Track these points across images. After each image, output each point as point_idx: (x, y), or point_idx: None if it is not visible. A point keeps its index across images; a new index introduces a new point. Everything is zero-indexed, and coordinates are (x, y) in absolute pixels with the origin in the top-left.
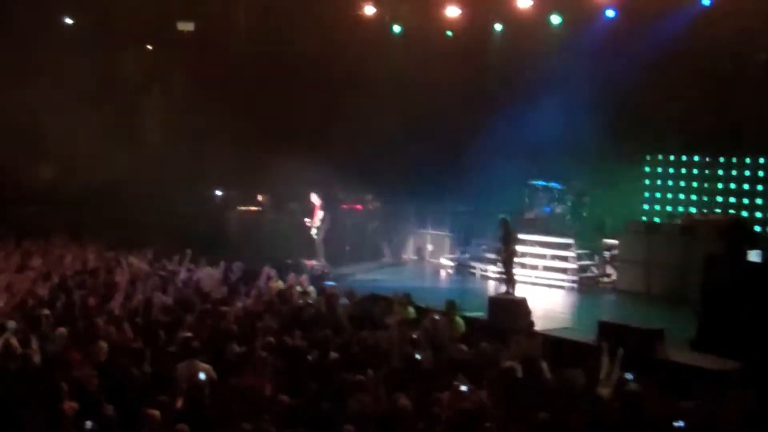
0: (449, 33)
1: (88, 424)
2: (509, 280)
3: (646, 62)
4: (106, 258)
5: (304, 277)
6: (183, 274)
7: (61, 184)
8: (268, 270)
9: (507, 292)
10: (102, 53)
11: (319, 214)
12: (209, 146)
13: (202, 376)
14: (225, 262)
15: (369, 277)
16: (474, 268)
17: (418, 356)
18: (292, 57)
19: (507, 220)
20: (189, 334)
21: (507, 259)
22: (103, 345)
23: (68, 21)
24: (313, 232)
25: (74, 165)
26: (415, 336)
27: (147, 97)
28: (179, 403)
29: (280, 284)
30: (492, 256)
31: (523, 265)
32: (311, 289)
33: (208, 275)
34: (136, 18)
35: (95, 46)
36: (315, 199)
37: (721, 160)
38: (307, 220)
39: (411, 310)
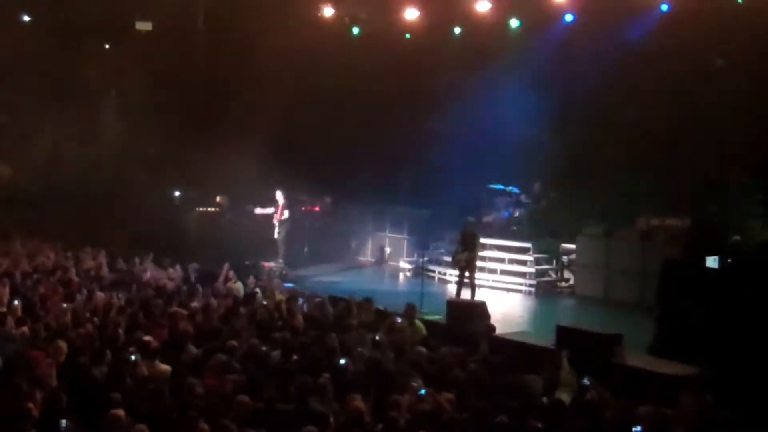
0: (408, 35)
1: (63, 422)
2: (472, 286)
3: (605, 67)
4: (66, 258)
5: (264, 279)
6: (142, 275)
7: (19, 183)
8: (226, 270)
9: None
10: (60, 52)
11: (285, 213)
12: (168, 146)
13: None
14: (184, 262)
15: (328, 279)
16: (432, 271)
17: (377, 358)
18: (250, 57)
19: (472, 224)
20: (147, 337)
21: (470, 265)
22: (63, 345)
23: (26, 19)
24: (275, 231)
25: (32, 164)
26: (377, 338)
27: (105, 97)
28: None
29: (239, 285)
30: (449, 259)
31: (481, 269)
32: (271, 290)
33: (168, 276)
34: (94, 17)
35: (53, 45)
36: (280, 197)
37: None
38: (269, 212)
39: (369, 313)
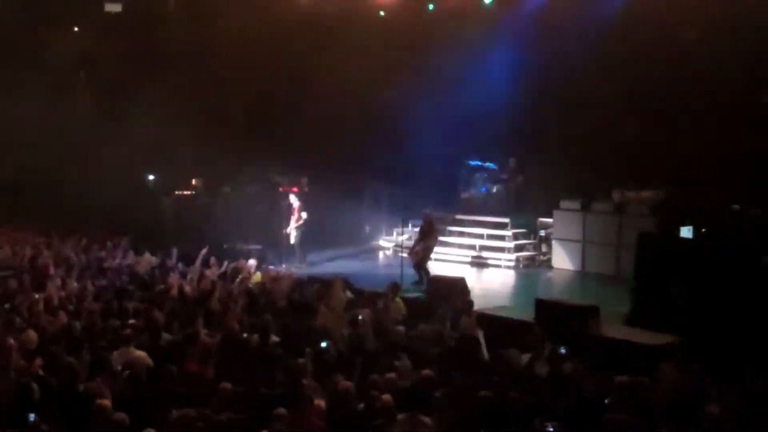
0: (382, 13)
1: (32, 416)
2: (423, 272)
3: (580, 40)
4: (39, 245)
5: (246, 262)
6: (118, 261)
7: None
8: (204, 254)
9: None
10: (27, 35)
11: (302, 216)
12: (140, 130)
13: None
14: (162, 247)
15: (308, 260)
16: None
17: (359, 338)
18: (220, 38)
19: (429, 215)
20: (122, 324)
21: (423, 253)
22: (33, 334)
23: None
24: (292, 235)
25: (2, 151)
26: (360, 317)
27: (75, 80)
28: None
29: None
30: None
31: (460, 245)
32: (251, 273)
33: (145, 261)
34: None
35: (20, 27)
36: (294, 200)
37: None
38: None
39: (348, 292)
